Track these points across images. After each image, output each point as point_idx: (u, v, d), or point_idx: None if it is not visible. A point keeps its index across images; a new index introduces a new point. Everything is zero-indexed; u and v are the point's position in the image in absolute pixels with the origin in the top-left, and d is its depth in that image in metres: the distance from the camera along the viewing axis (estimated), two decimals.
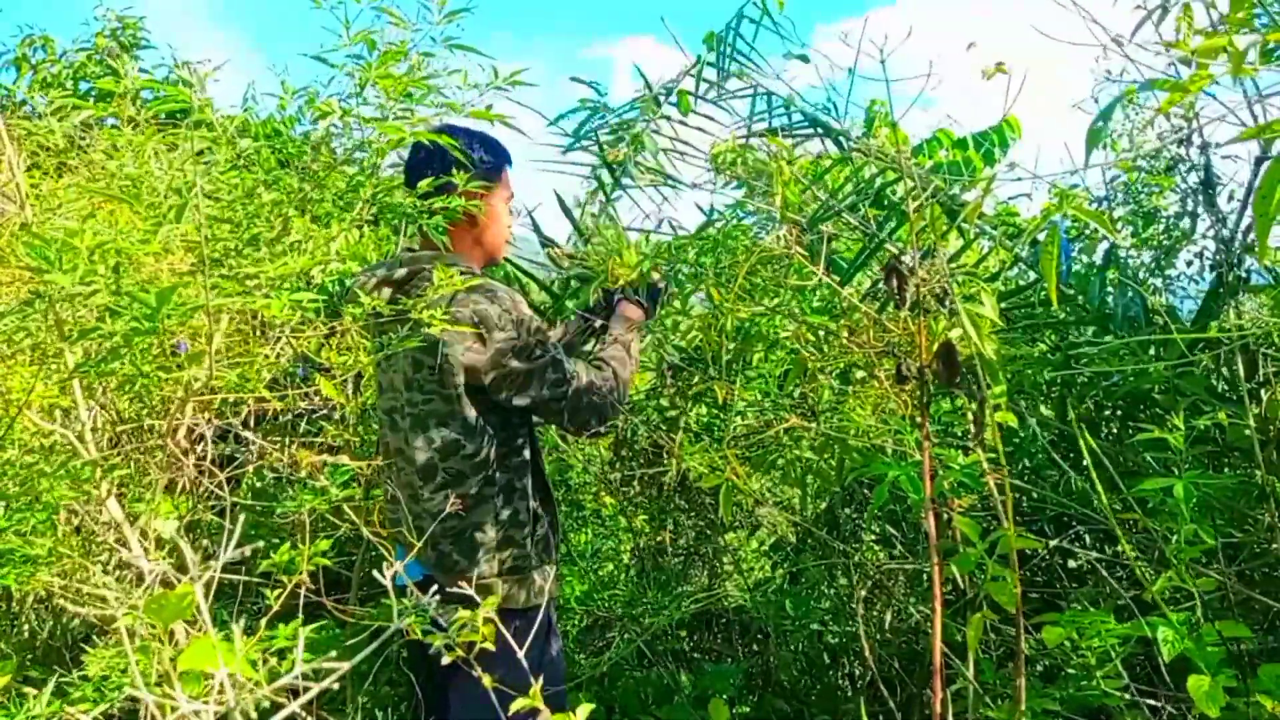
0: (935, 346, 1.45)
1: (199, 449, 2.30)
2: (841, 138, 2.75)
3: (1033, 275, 2.57)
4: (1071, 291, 2.38)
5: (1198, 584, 1.52)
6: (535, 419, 1.97)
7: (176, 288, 0.93)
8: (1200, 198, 2.33)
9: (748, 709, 3.13)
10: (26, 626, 2.76)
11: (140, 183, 1.15)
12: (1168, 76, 1.73)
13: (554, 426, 1.87)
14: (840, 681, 3.12)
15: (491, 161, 1.99)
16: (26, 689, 1.55)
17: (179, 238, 1.05)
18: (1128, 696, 1.64)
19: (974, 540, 1.49)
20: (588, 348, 2.32)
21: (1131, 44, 1.91)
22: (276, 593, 1.10)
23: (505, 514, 1.89)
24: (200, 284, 1.00)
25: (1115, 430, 2.37)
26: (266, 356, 2.31)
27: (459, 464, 1.85)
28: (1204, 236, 2.55)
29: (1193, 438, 1.89)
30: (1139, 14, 1.91)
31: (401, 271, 1.87)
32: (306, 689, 1.24)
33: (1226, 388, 2.11)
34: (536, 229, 3.67)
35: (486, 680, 1.18)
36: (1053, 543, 2.11)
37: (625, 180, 3.84)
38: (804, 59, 3.06)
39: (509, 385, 1.81)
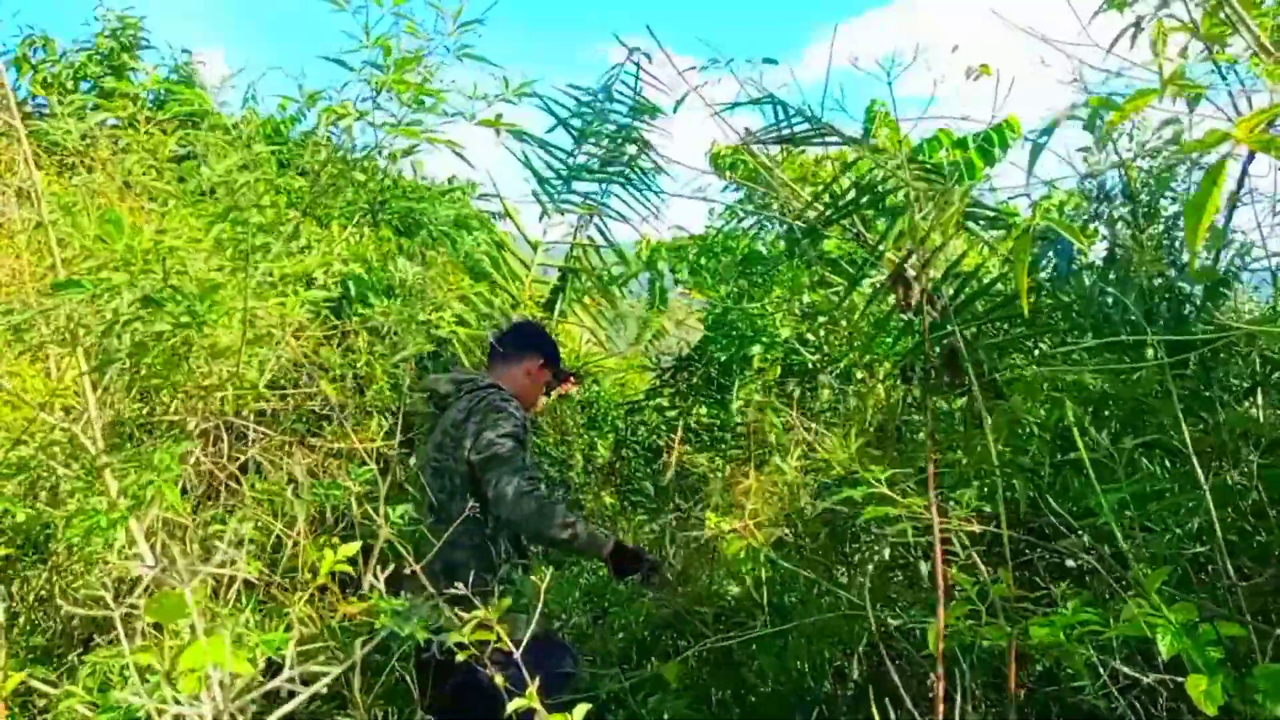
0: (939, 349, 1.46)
1: (204, 447, 2.31)
2: (847, 142, 2.76)
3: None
4: (1069, 298, 2.39)
5: (1173, 610, 1.53)
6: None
7: (219, 286, 0.94)
8: (1105, 208, 2.37)
9: (745, 708, 3.13)
10: (28, 625, 2.75)
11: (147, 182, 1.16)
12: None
13: (493, 489, 2.41)
14: (836, 680, 3.12)
15: (549, 351, 2.84)
16: (34, 683, 1.56)
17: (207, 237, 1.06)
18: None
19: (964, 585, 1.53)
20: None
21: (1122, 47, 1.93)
22: (298, 595, 1.11)
23: (483, 558, 2.42)
24: (238, 283, 1.01)
25: (1113, 432, 2.38)
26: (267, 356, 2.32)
27: (453, 506, 2.38)
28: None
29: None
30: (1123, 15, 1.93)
31: (459, 375, 2.71)
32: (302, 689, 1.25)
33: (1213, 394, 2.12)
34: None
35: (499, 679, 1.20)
36: (1045, 543, 2.12)
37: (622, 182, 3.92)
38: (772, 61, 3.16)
39: (474, 445, 2.43)
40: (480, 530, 2.43)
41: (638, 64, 3.75)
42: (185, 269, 1.08)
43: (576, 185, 3.89)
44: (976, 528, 1.53)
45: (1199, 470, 1.68)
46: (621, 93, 3.81)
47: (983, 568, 1.61)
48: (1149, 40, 1.84)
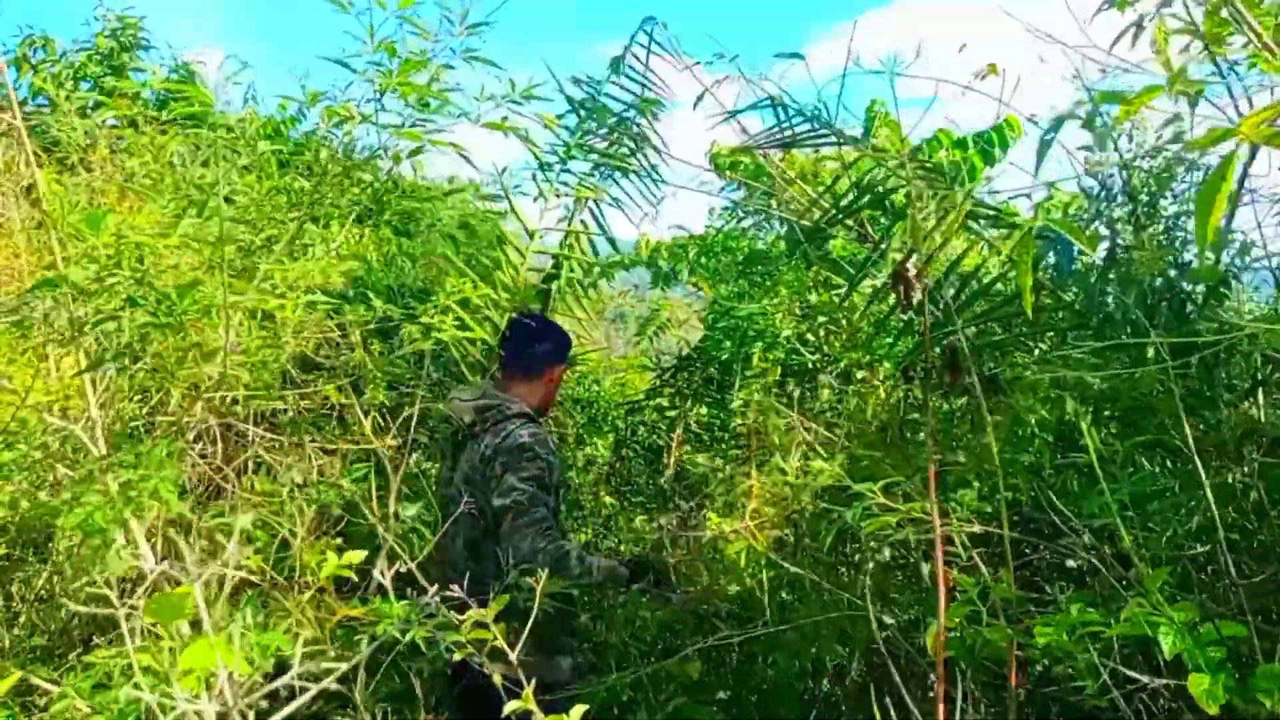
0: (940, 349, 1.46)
1: (203, 447, 2.30)
2: (850, 143, 2.76)
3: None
4: (1070, 297, 2.38)
5: (1174, 609, 1.52)
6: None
7: (198, 282, 0.94)
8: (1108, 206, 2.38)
9: (743, 709, 3.13)
10: (29, 625, 2.75)
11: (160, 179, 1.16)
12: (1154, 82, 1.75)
13: (508, 540, 2.37)
14: (836, 679, 3.12)
15: (565, 346, 2.77)
16: (35, 680, 1.56)
17: (194, 237, 1.06)
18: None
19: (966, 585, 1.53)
20: None
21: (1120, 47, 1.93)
22: (300, 596, 1.11)
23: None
24: (219, 281, 1.01)
25: (1114, 432, 2.38)
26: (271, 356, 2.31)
27: (485, 545, 2.43)
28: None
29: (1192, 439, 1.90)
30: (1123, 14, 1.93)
31: (482, 401, 2.59)
32: (305, 689, 1.25)
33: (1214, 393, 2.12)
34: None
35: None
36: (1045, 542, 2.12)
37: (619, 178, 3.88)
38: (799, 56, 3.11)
39: (498, 487, 2.39)
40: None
41: (650, 33, 3.65)
42: (155, 264, 1.08)
43: (574, 165, 3.81)
44: (978, 528, 1.53)
45: (1200, 469, 1.68)
46: (632, 67, 3.73)
47: (984, 569, 1.61)
48: (1150, 39, 1.84)
